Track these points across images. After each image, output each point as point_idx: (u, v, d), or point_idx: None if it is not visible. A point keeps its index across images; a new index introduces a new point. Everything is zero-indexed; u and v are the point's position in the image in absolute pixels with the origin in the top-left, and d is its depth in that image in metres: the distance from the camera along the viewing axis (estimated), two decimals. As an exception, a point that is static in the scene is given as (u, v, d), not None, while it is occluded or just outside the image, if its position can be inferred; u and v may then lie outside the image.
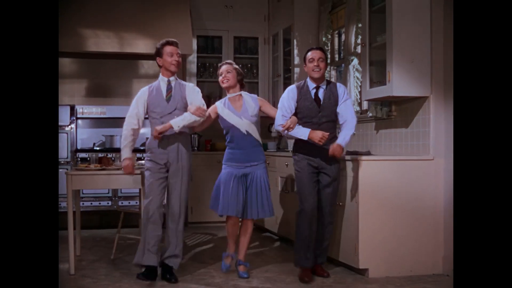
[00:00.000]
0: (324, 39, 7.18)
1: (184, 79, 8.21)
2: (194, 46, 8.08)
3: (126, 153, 4.93)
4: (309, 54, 5.01)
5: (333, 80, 7.16)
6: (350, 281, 4.89)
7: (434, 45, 5.18)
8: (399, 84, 5.12)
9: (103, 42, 7.38)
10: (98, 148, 7.78)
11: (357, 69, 6.41)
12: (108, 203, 7.62)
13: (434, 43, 5.18)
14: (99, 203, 7.63)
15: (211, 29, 8.31)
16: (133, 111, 4.95)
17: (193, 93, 4.99)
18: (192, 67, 8.20)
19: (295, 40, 7.36)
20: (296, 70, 7.37)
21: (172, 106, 4.92)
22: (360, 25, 5.97)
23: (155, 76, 8.57)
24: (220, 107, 5.17)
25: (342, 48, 7.00)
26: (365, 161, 5.00)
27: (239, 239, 5.19)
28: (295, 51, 7.37)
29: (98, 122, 7.96)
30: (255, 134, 5.12)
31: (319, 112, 4.94)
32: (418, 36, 5.16)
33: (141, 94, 5.00)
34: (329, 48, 7.16)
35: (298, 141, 4.99)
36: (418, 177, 5.10)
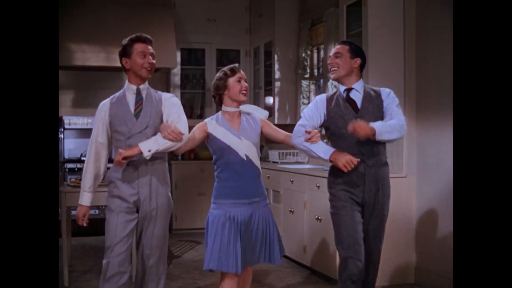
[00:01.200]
0: (303, 54, 7.49)
1: (168, 91, 8.49)
2: (178, 59, 8.34)
3: (84, 199, 3.86)
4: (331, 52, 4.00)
5: (312, 94, 7.48)
6: (328, 291, 5.22)
7: (407, 69, 5.52)
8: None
9: (90, 56, 7.62)
10: (85, 159, 8.00)
11: (335, 86, 6.72)
12: (95, 211, 7.86)
13: (407, 66, 5.52)
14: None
15: (194, 41, 8.58)
16: (92, 137, 3.84)
17: (170, 106, 3.79)
18: (176, 79, 8.46)
19: (275, 55, 7.66)
20: (277, 84, 7.68)
21: (143, 123, 3.73)
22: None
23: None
24: (211, 124, 3.84)
25: (321, 64, 7.31)
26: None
27: None
28: (276, 66, 7.67)
29: (85, 132, 8.18)
30: (256, 160, 3.85)
31: (356, 118, 3.80)
32: (392, 59, 5.50)
33: (101, 110, 3.82)
34: (308, 63, 7.47)
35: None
36: (392, 193, 5.42)
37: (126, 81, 3.86)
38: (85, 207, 3.82)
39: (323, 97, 4.03)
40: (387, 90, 3.99)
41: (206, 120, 3.91)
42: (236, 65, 3.93)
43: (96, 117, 3.82)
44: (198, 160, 8.39)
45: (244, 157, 3.76)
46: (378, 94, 3.94)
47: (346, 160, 3.72)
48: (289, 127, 7.84)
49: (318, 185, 5.62)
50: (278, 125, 7.76)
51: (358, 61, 3.93)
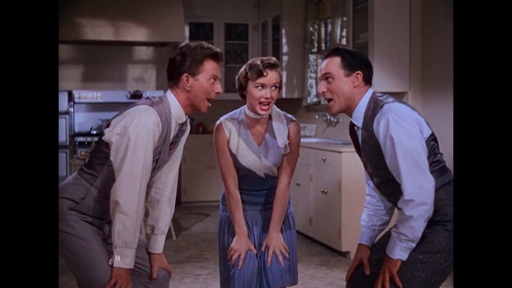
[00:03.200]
0: (311, 29, 7.51)
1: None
2: (186, 33, 8.38)
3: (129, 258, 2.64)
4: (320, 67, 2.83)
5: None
6: (333, 262, 5.32)
7: (412, 43, 5.54)
8: (380, 80, 5.48)
9: (99, 30, 7.68)
10: (95, 132, 8.13)
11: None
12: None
13: (412, 41, 5.54)
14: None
15: (202, 16, 8.61)
16: (143, 165, 2.59)
17: (178, 153, 2.89)
18: (184, 53, 8.51)
19: (283, 29, 7.69)
20: (285, 58, 7.71)
21: (168, 160, 2.84)
22: (345, 19, 6.31)
23: (149, 61, 9.02)
24: (230, 133, 3.03)
25: (329, 38, 7.33)
26: (346, 153, 5.39)
27: None
28: (284, 40, 7.70)
29: (95, 106, 8.29)
30: (278, 171, 3.09)
31: (364, 166, 2.84)
32: (398, 34, 5.51)
33: (149, 125, 2.58)
34: (315, 37, 7.50)
35: None
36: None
37: (173, 98, 2.71)
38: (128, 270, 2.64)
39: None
40: (384, 120, 2.58)
41: (223, 123, 3.04)
42: (265, 62, 2.93)
43: (144, 134, 2.57)
44: (207, 133, 8.47)
45: (263, 175, 3.07)
46: (371, 128, 2.65)
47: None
48: (297, 101, 7.93)
49: (323, 158, 5.69)
50: (285, 99, 7.88)
51: (359, 75, 2.71)
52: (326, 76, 2.70)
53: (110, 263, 2.59)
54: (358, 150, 2.77)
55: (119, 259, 2.58)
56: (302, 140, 6.78)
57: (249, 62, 2.97)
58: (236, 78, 3.02)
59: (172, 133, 2.70)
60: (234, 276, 2.97)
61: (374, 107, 2.64)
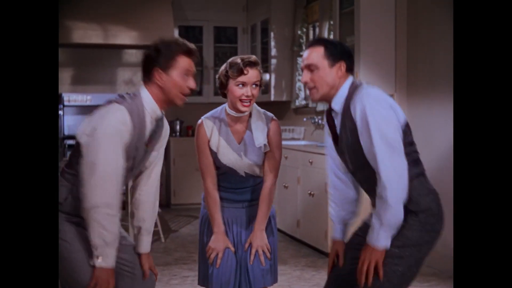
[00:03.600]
0: (299, 32, 7.56)
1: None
2: (176, 36, 8.41)
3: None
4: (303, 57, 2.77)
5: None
6: (320, 264, 5.36)
7: (398, 46, 5.60)
8: (366, 82, 5.53)
9: (89, 33, 7.71)
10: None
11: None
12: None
13: (398, 44, 5.60)
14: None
15: (192, 19, 8.65)
16: (113, 166, 2.58)
17: (162, 147, 2.89)
18: (174, 56, 8.55)
19: (272, 33, 7.74)
20: (273, 61, 7.76)
21: (149, 158, 2.83)
22: (332, 22, 6.36)
23: (138, 64, 8.97)
24: (211, 131, 3.05)
25: (316, 41, 7.37)
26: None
27: None
28: (272, 43, 7.75)
29: (84, 109, 8.29)
30: (259, 170, 3.10)
31: (340, 153, 2.80)
32: (384, 38, 5.57)
33: (119, 129, 2.59)
34: (304, 40, 7.55)
35: None
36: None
37: (147, 92, 2.70)
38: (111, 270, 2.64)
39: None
40: (361, 104, 2.58)
41: (204, 122, 3.05)
42: (245, 60, 2.94)
43: (111, 134, 2.57)
44: (196, 136, 8.50)
45: (244, 174, 3.08)
46: (350, 112, 2.64)
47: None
48: (285, 104, 7.97)
49: (310, 161, 5.73)
50: (274, 102, 7.92)
51: (342, 65, 2.70)
52: (310, 67, 2.69)
53: (91, 263, 2.60)
54: (335, 137, 2.75)
55: (100, 260, 2.58)
56: (291, 142, 6.85)
57: (229, 60, 2.98)
58: (217, 77, 3.03)
59: (148, 128, 2.70)
60: (212, 275, 3.00)
61: (354, 93, 2.64)
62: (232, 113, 3.00)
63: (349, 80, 2.72)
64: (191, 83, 2.70)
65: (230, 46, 8.85)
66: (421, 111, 5.40)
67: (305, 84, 2.73)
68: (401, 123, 2.61)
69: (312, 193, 5.70)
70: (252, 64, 2.94)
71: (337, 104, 2.69)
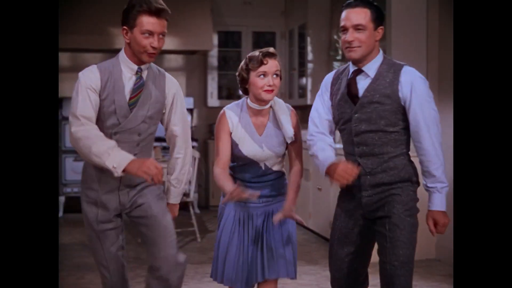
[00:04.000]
0: (335, 37, 7.68)
1: (205, 74, 8.82)
2: (215, 42, 8.62)
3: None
4: (342, 17, 2.92)
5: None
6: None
7: (429, 52, 5.67)
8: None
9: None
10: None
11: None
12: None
13: (429, 50, 5.67)
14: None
15: (231, 24, 8.84)
16: (83, 110, 2.83)
17: (177, 105, 3.08)
18: (213, 61, 8.77)
19: (308, 38, 7.87)
20: (310, 65, 7.89)
21: (138, 118, 2.95)
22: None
23: (179, 69, 9.29)
24: (233, 121, 3.15)
25: (352, 46, 7.49)
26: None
27: None
28: (309, 48, 7.89)
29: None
30: (278, 163, 3.23)
31: (354, 112, 2.93)
32: (415, 43, 5.65)
33: (86, 81, 2.87)
34: (339, 45, 7.65)
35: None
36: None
37: (122, 51, 2.93)
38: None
39: (329, 75, 3.14)
40: (410, 77, 2.87)
41: (226, 113, 3.14)
42: (264, 51, 3.06)
43: (79, 89, 2.84)
44: (235, 139, 8.68)
45: (263, 167, 3.18)
46: (395, 78, 2.87)
47: (343, 175, 2.82)
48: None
49: (342, 163, 5.83)
50: (310, 106, 8.01)
51: (381, 30, 2.91)
52: (357, 26, 2.83)
53: (115, 175, 2.78)
54: (352, 96, 2.93)
55: (114, 165, 2.75)
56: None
57: (248, 55, 3.11)
58: (237, 74, 3.15)
59: (126, 82, 2.90)
60: (224, 271, 3.16)
61: (392, 64, 2.93)
62: (255, 106, 3.11)
63: (381, 51, 2.98)
64: (154, 43, 2.83)
65: (268, 51, 9.00)
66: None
67: (350, 42, 2.86)
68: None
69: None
70: (271, 54, 3.05)
71: (371, 69, 2.91)
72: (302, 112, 8.67)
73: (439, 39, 5.63)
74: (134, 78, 2.92)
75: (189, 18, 8.24)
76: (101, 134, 2.83)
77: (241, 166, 3.19)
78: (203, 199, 8.69)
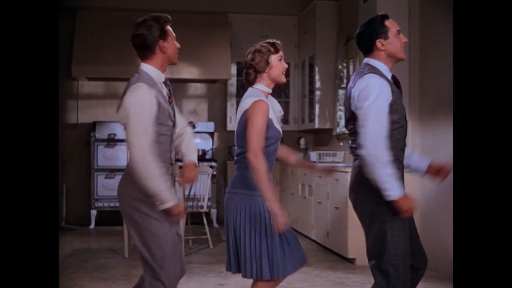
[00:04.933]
0: (340, 66, 8.45)
1: (225, 100, 9.68)
2: (234, 71, 9.47)
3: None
4: (389, 24, 3.30)
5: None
6: (340, 267, 6.17)
7: (412, 75, 6.44)
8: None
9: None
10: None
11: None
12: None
13: (412, 73, 6.44)
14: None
15: (248, 56, 9.68)
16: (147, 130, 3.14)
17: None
18: (232, 89, 9.61)
19: (316, 67, 8.67)
20: (318, 92, 8.67)
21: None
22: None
23: (201, 96, 10.13)
24: (264, 102, 3.31)
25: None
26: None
27: None
28: (317, 76, 8.68)
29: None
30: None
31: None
32: (400, 69, 6.39)
33: (148, 97, 3.18)
34: (344, 74, 8.43)
35: None
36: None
37: (148, 66, 3.30)
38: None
39: (382, 81, 3.21)
40: (361, 84, 3.18)
41: (262, 98, 3.30)
42: (275, 41, 3.46)
43: (142, 106, 3.14)
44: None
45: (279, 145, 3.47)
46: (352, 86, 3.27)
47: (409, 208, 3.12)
48: (328, 131, 8.83)
49: (336, 178, 6.57)
50: (318, 129, 8.82)
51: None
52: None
53: (160, 208, 3.09)
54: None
55: (164, 205, 3.09)
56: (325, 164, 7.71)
57: (261, 44, 3.48)
58: (253, 60, 3.41)
59: (164, 90, 3.29)
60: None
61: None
62: (268, 90, 3.38)
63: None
64: (178, 44, 3.37)
65: (283, 79, 9.81)
66: (434, 136, 6.16)
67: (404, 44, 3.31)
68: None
69: (337, 206, 6.52)
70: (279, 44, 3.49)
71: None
72: (312, 136, 9.45)
73: (419, 53, 6.37)
74: (164, 85, 3.35)
75: (210, 50, 9.13)
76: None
77: (272, 152, 3.36)
78: (221, 215, 9.47)
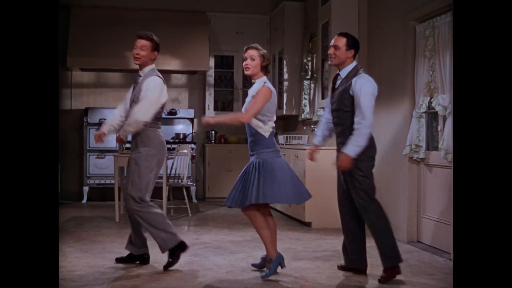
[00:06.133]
0: (305, 60, 9.58)
1: (204, 90, 10.79)
2: (212, 64, 10.57)
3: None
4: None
5: (312, 92, 9.54)
6: (299, 229, 7.31)
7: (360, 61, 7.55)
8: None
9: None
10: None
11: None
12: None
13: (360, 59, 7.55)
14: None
15: (225, 50, 10.80)
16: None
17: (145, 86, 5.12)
18: (211, 80, 10.71)
19: (285, 61, 9.80)
20: (286, 83, 9.81)
21: (133, 96, 5.21)
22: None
23: (182, 86, 11.21)
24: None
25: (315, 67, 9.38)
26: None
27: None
28: (285, 69, 9.81)
29: (139, 121, 10.46)
30: (254, 123, 4.81)
31: (332, 103, 4.89)
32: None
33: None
34: (309, 67, 9.56)
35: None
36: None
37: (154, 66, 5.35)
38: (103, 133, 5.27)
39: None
40: (359, 82, 4.65)
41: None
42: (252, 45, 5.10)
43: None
44: (227, 143, 10.61)
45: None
46: (350, 83, 4.66)
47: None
48: (294, 117, 9.96)
49: (296, 155, 7.69)
50: (286, 116, 9.96)
51: (352, 52, 4.77)
52: (335, 47, 4.78)
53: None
54: (334, 89, 4.85)
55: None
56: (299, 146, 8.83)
57: (265, 53, 5.05)
58: (265, 63, 5.00)
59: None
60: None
61: (354, 73, 4.72)
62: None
63: (354, 63, 4.83)
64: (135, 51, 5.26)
65: (256, 71, 10.93)
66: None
67: (330, 55, 4.81)
68: (374, 95, 4.70)
69: (297, 179, 7.64)
70: (251, 47, 5.14)
71: (344, 73, 4.79)
72: (280, 122, 10.58)
73: (367, 59, 7.51)
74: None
75: (190, 44, 10.23)
76: None
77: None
78: (200, 192, 10.60)
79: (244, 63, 4.94)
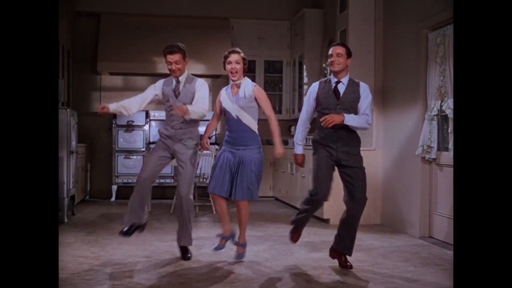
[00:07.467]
0: (324, 65, 9.99)
1: (227, 92, 11.21)
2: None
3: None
4: (330, 50, 5.18)
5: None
6: (317, 225, 7.71)
7: (376, 73, 7.94)
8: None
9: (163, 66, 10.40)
10: (164, 141, 10.80)
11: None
12: (171, 180, 10.63)
13: (376, 71, 7.94)
14: (164, 180, 10.67)
15: (247, 55, 11.11)
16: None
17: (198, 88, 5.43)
18: (233, 83, 11.15)
19: (304, 66, 10.21)
20: (305, 87, 10.22)
21: (181, 100, 5.40)
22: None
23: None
24: (222, 91, 5.44)
25: (336, 72, 9.78)
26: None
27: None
28: (305, 73, 10.22)
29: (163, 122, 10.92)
30: (246, 120, 5.23)
31: (337, 104, 5.11)
32: (365, 70, 7.93)
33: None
34: (327, 71, 9.95)
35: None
36: (365, 161, 7.84)
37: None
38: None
39: (315, 86, 5.29)
40: (364, 85, 5.17)
41: (222, 89, 5.57)
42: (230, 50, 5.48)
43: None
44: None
45: (235, 117, 5.25)
46: (357, 88, 5.11)
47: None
48: (313, 120, 10.28)
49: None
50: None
51: (350, 60, 5.20)
52: (338, 54, 5.12)
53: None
54: (338, 96, 5.14)
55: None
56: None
57: (245, 56, 5.58)
58: (246, 65, 5.56)
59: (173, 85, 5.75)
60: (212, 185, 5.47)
61: (354, 81, 5.18)
62: (236, 82, 5.51)
63: (348, 74, 5.24)
64: (170, 66, 5.57)
65: (277, 75, 11.38)
66: (394, 114, 7.68)
67: (335, 61, 5.12)
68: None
69: (303, 175, 8.04)
70: (233, 51, 5.61)
71: (345, 81, 5.18)
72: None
73: (383, 62, 7.90)
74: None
75: (214, 49, 10.67)
76: None
77: (227, 119, 5.36)
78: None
79: (230, 66, 5.34)
